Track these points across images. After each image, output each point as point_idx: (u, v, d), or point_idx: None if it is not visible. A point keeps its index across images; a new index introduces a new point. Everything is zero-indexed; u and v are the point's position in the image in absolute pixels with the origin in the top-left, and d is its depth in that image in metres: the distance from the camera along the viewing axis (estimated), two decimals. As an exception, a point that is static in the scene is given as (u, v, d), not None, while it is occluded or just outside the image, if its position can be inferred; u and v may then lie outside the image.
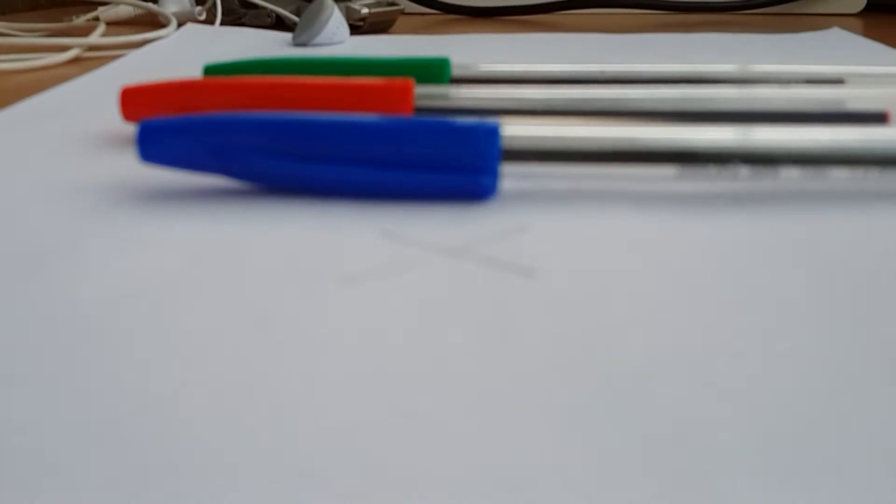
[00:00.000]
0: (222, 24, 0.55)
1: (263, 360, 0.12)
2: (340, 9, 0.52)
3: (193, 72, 0.30)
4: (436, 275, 0.15)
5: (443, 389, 0.11)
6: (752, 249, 0.16)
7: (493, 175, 0.18)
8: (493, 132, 0.18)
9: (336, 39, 0.47)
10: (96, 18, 0.56)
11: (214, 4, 0.55)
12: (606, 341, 0.12)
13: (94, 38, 0.45)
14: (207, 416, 0.11)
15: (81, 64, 0.41)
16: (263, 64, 0.28)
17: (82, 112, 0.28)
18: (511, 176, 0.19)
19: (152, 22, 0.56)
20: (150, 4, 0.54)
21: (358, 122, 0.18)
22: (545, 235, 0.17)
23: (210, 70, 0.29)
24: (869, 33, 0.50)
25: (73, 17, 0.57)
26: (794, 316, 0.13)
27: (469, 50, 0.43)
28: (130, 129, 0.25)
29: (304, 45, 0.46)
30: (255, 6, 0.56)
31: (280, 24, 0.55)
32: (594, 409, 0.11)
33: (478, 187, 0.18)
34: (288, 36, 0.49)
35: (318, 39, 0.46)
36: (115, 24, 0.57)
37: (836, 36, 0.47)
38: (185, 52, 0.42)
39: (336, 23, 0.47)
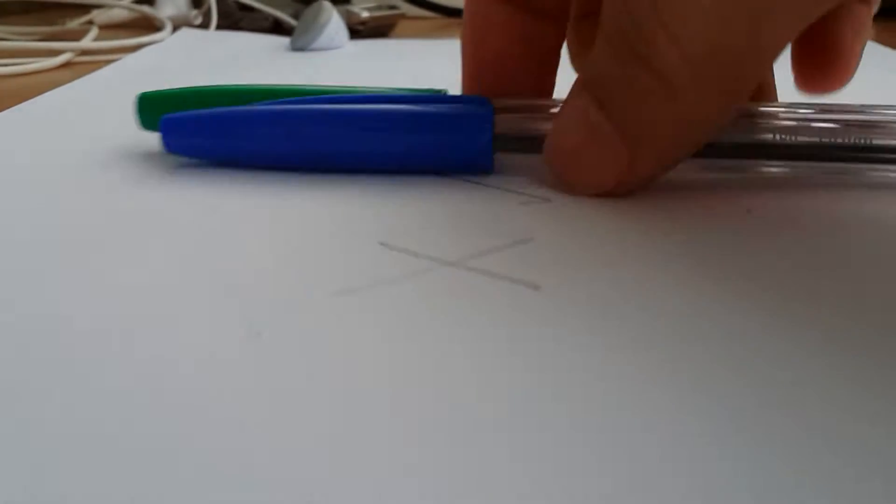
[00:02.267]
0: (218, 27, 0.54)
1: (255, 369, 0.12)
2: (340, 12, 0.51)
3: (187, 78, 0.29)
4: (436, 286, 0.14)
5: (442, 403, 0.11)
6: (746, 253, 0.15)
7: (488, 141, 0.19)
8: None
9: (335, 44, 0.46)
10: (90, 22, 0.55)
11: (209, 8, 0.54)
12: (611, 356, 0.12)
13: (87, 42, 0.44)
14: (201, 427, 0.10)
15: (74, 68, 0.40)
16: (202, 92, 0.23)
17: (71, 119, 0.27)
18: (510, 184, 0.18)
19: (147, 25, 0.55)
20: (144, 7, 0.53)
21: (355, 111, 0.20)
22: (549, 247, 0.16)
23: (144, 98, 0.23)
24: (881, 39, 0.49)
25: (67, 21, 0.56)
26: (800, 321, 0.13)
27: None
28: (119, 138, 0.24)
29: (301, 49, 0.45)
30: (252, 9, 0.55)
31: (278, 27, 0.54)
32: (590, 427, 0.10)
33: (474, 147, 0.19)
34: (285, 40, 0.48)
35: (317, 44, 0.45)
36: (110, 28, 0.56)
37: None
38: (180, 57, 0.41)
39: (335, 27, 0.46)
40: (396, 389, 0.11)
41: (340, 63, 0.41)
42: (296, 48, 0.46)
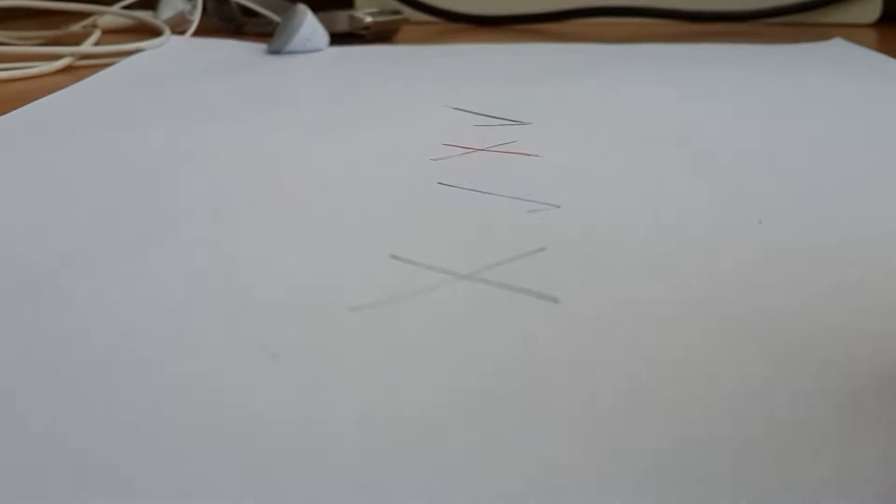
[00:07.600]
0: (223, 32, 0.54)
1: (268, 391, 0.11)
2: (343, 17, 0.51)
3: (176, 82, 0.29)
4: (451, 300, 0.14)
5: (460, 424, 0.10)
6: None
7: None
8: None
9: (310, 47, 0.46)
10: (94, 25, 0.55)
11: (203, 9, 0.54)
12: (633, 370, 0.12)
13: (86, 46, 0.44)
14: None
15: (74, 72, 0.40)
16: None
17: (54, 128, 0.27)
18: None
19: (150, 29, 0.55)
20: (138, 13, 0.53)
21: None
22: (564, 257, 0.16)
23: None
24: (882, 45, 0.48)
25: (70, 25, 0.56)
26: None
27: (468, 66, 0.41)
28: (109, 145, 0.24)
29: (277, 52, 0.46)
30: (256, 14, 0.54)
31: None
32: (623, 445, 0.10)
33: None
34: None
35: (291, 47, 0.45)
36: (113, 32, 0.56)
37: (839, 47, 0.44)
38: (170, 63, 0.41)
39: (309, 29, 0.45)
40: (408, 412, 0.11)
41: (308, 67, 0.40)
42: (272, 51, 0.46)
